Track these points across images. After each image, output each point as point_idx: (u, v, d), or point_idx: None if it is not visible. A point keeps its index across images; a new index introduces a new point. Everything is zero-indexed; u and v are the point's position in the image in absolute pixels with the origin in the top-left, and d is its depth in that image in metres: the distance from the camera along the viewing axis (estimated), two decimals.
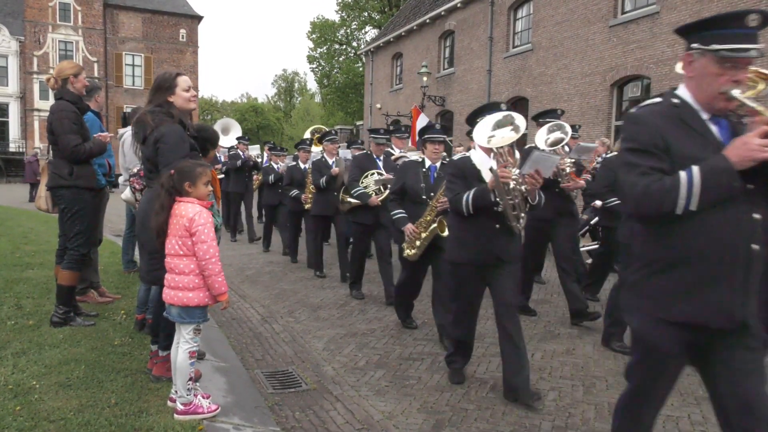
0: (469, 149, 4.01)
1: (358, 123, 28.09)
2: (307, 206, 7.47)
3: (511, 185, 3.20)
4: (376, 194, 5.83)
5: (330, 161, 6.99)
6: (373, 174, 5.88)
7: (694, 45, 1.93)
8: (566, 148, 5.25)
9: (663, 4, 11.75)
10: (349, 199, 5.93)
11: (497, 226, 3.38)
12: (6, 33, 33.04)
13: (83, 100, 4.35)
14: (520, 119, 3.27)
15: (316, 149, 10.95)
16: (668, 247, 1.95)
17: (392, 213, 4.70)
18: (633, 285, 2.08)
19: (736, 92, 1.86)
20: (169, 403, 2.98)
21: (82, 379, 3.23)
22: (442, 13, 19.54)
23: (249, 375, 3.80)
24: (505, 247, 3.43)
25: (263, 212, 10.71)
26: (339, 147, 7.86)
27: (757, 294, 1.94)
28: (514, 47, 16.75)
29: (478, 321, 5.33)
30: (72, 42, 34.24)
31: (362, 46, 32.98)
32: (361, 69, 35.61)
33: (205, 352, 3.87)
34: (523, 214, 3.34)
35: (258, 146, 10.50)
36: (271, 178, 8.85)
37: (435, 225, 4.35)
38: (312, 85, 65.26)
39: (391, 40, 23.40)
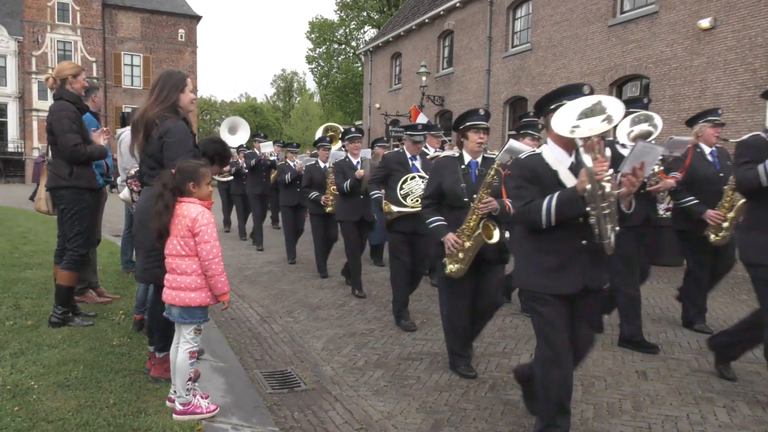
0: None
1: (357, 123, 28.08)
2: (328, 209, 6.95)
3: (607, 188, 2.47)
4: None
5: (354, 162, 6.27)
6: (414, 178, 4.95)
7: None
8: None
9: (662, 4, 11.75)
10: (397, 209, 4.91)
11: (584, 242, 2.66)
12: (4, 33, 33.02)
13: (82, 100, 4.34)
14: (614, 106, 2.53)
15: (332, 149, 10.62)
16: None
17: (428, 221, 3.89)
18: None
19: None
20: (168, 403, 2.98)
21: (81, 379, 3.23)
22: (441, 12, 19.55)
23: (248, 375, 3.80)
24: (595, 272, 2.72)
25: (278, 216, 9.90)
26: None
27: None
28: (513, 47, 16.76)
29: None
30: (71, 42, 34.23)
31: (361, 46, 32.98)
32: (360, 69, 35.62)
33: (204, 349, 3.86)
34: (617, 227, 2.57)
35: (271, 143, 9.91)
36: (288, 177, 8.03)
37: (479, 231, 3.63)
38: (311, 85, 65.19)
39: (390, 39, 23.41)
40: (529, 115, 4.05)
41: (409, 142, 5.16)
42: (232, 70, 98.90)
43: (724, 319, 5.28)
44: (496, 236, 3.59)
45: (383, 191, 5.16)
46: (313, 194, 7.03)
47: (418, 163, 5.11)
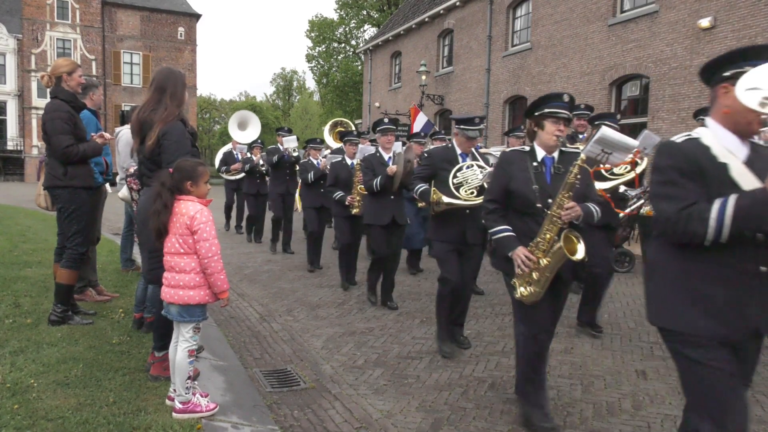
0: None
1: (357, 122, 28.06)
2: (354, 211, 6.32)
3: None
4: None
5: (386, 157, 5.62)
6: (471, 167, 4.24)
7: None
8: None
9: (662, 3, 11.75)
10: (447, 199, 4.18)
11: (763, 269, 1.93)
12: (4, 31, 32.98)
13: (78, 98, 4.31)
14: None
15: (335, 145, 9.91)
16: None
17: (492, 231, 3.10)
18: None
19: None
20: (168, 402, 2.98)
21: (80, 377, 3.23)
22: (441, 11, 19.54)
23: (247, 374, 3.80)
24: None
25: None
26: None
27: None
28: (512, 46, 16.74)
29: (476, 320, 5.31)
30: (70, 40, 34.21)
31: (361, 45, 32.94)
32: (359, 67, 35.57)
33: (203, 347, 3.86)
34: None
35: (295, 137, 8.81)
36: (311, 176, 7.29)
37: (560, 245, 2.84)
38: (310, 83, 65.29)
39: (390, 38, 23.39)
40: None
41: (462, 137, 4.35)
42: (232, 69, 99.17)
43: None
44: (581, 252, 2.84)
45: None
46: (338, 194, 6.43)
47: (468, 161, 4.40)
